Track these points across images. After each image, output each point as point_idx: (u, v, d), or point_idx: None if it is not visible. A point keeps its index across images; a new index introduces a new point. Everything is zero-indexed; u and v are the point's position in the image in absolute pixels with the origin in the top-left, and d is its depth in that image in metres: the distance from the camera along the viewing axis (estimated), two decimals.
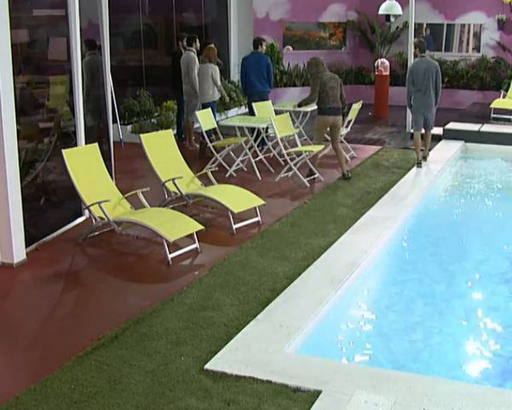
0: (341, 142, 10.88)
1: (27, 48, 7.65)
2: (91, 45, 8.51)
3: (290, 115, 10.62)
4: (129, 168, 9.75)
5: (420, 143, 10.22)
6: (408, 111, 12.65)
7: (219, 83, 11.32)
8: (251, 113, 11.32)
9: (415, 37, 12.78)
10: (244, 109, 14.42)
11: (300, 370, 4.39)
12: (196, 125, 10.82)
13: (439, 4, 16.28)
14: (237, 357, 4.54)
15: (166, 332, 4.95)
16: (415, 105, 10.22)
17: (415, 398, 4.04)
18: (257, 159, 10.06)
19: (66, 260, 6.57)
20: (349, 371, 4.46)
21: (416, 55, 10.39)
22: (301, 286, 5.73)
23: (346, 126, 10.89)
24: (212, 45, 11.55)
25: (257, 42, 11.62)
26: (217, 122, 10.43)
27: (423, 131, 10.36)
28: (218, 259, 6.44)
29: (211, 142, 10.02)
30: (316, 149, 9.40)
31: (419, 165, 10.19)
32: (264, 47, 11.66)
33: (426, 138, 10.48)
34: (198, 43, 11.56)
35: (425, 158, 10.49)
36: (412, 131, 10.49)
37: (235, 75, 15.68)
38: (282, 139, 9.77)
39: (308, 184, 9.15)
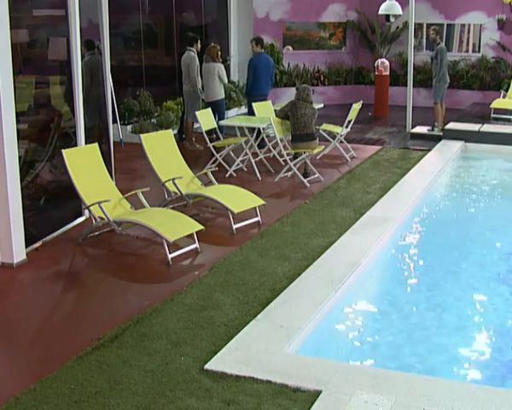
0: (341, 142, 10.91)
1: (27, 48, 7.64)
2: (90, 45, 8.51)
3: None
4: (129, 168, 9.75)
5: (441, 112, 12.35)
6: (408, 111, 12.76)
7: (225, 80, 11.32)
8: (250, 113, 11.35)
9: (415, 37, 12.98)
10: (244, 109, 14.41)
11: (300, 370, 4.39)
12: (196, 126, 10.82)
13: (439, 4, 16.27)
14: (237, 357, 4.54)
15: (166, 332, 4.96)
16: (443, 81, 12.07)
17: (415, 398, 4.04)
18: (257, 159, 10.06)
19: (66, 260, 6.57)
20: (349, 371, 4.46)
21: (437, 42, 12.15)
22: (301, 286, 5.73)
23: (346, 126, 10.89)
24: (214, 44, 11.56)
25: (262, 42, 11.52)
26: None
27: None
28: (218, 259, 6.44)
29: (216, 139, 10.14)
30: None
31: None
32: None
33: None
34: (199, 44, 11.54)
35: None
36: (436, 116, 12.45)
37: (235, 75, 15.68)
38: (281, 139, 9.77)
39: (308, 184, 9.15)
